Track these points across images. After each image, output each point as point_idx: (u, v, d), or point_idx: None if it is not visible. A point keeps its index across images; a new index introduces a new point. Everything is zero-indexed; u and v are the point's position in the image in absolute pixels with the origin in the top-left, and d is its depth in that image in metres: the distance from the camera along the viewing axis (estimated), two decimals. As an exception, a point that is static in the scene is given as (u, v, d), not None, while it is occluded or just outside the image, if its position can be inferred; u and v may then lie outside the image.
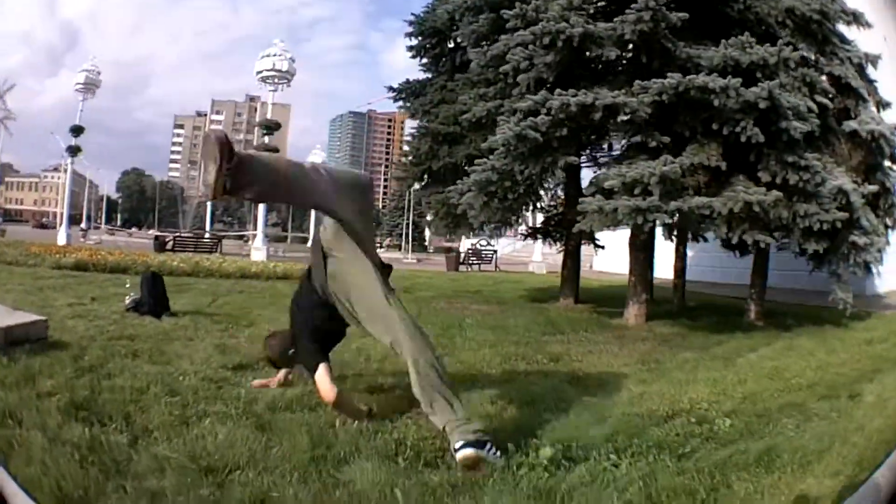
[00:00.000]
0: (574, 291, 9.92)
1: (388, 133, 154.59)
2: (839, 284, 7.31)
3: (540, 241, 13.48)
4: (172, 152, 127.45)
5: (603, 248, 11.57)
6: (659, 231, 8.43)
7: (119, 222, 78.88)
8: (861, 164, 7.80)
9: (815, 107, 6.82)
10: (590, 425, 3.21)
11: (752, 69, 6.57)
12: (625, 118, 6.70)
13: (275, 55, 23.92)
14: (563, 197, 10.32)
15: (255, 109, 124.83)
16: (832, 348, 6.24)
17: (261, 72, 24.11)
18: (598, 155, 9.38)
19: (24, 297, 7.18)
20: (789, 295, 10.46)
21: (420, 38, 10.00)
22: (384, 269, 3.20)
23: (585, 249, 11.31)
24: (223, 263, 13.02)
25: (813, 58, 7.43)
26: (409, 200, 48.81)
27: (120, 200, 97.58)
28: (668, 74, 6.42)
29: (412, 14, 10.13)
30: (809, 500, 2.48)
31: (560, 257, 10.74)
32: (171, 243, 21.45)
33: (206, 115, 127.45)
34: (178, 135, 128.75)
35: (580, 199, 6.83)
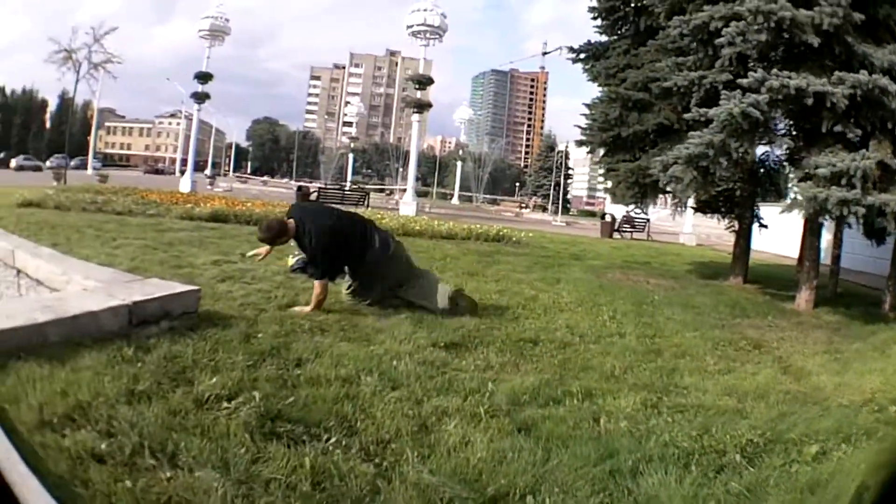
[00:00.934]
0: (744, 271, 9.74)
1: (532, 92, 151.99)
2: None
3: (690, 212, 13.30)
4: (309, 103, 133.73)
5: (766, 227, 11.04)
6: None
7: (249, 170, 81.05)
8: None
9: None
10: (819, 418, 3.18)
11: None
12: (828, 106, 6.63)
13: (425, 10, 23.73)
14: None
15: (396, 64, 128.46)
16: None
17: (411, 26, 23.87)
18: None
19: (147, 254, 5.77)
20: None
21: (603, -1, 9.66)
22: None
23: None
24: (382, 219, 11.56)
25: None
26: (558, 161, 48.17)
27: (251, 149, 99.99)
28: (861, 71, 6.41)
29: (591, -25, 9.81)
30: None
31: (707, 230, 10.61)
32: (315, 195, 20.99)
33: (343, 67, 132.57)
34: (315, 86, 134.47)
35: (794, 186, 6.93)
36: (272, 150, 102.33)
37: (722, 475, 2.34)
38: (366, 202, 21.38)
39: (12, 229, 6.64)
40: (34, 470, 0.82)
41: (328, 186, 31.44)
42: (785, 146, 7.45)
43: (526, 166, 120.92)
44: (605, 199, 51.12)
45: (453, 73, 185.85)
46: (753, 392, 3.57)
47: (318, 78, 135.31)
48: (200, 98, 27.05)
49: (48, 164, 48.88)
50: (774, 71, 6.43)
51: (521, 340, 4.09)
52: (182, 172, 35.75)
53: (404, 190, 26.05)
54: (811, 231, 8.14)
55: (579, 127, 9.81)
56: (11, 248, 5.20)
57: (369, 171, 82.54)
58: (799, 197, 6.50)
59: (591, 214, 55.70)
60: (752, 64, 7.03)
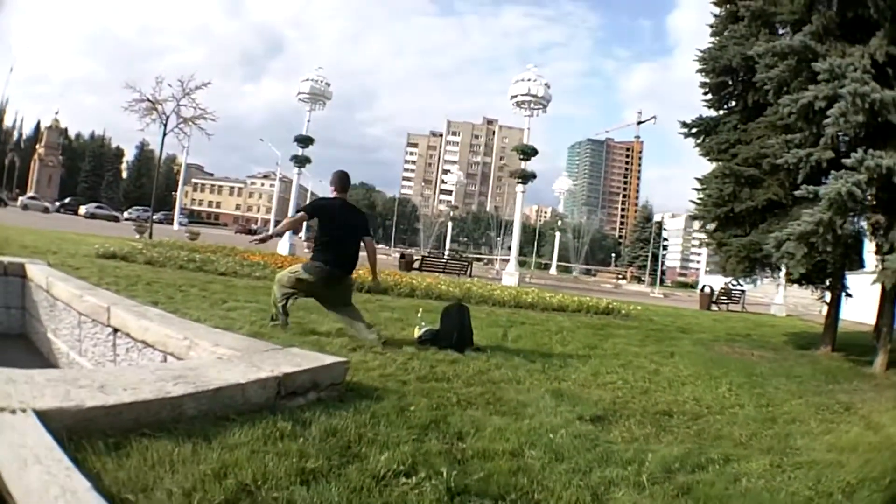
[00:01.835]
0: (832, 339, 9.78)
1: (627, 162, 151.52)
2: None
3: (783, 283, 13.31)
4: (405, 170, 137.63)
5: (852, 296, 10.61)
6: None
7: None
8: None
9: None
10: (889, 460, 3.53)
11: None
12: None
13: (530, 80, 24.01)
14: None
15: (493, 132, 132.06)
16: None
17: (515, 96, 24.13)
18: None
19: (266, 318, 5.45)
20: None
21: (713, 74, 10.08)
22: None
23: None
24: (494, 290, 11.93)
25: None
26: (655, 231, 47.28)
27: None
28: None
29: (698, 50, 10.27)
30: None
31: (794, 300, 10.26)
32: (417, 262, 21.35)
33: (440, 135, 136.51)
34: (411, 153, 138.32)
35: (886, 257, 7.02)
36: (368, 216, 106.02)
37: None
38: (468, 271, 21.51)
39: (95, 281, 6.67)
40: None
41: (430, 254, 31.86)
42: (872, 219, 7.58)
43: (621, 236, 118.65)
44: (698, 269, 48.87)
45: (549, 142, 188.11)
46: (848, 447, 3.95)
47: (415, 145, 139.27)
48: (301, 162, 26.99)
49: (126, 214, 50.93)
50: (869, 151, 6.67)
51: (657, 413, 4.35)
52: (277, 235, 36.70)
53: (505, 260, 26.35)
54: (887, 298, 8.39)
55: (693, 202, 9.97)
56: (106, 305, 4.88)
57: (465, 239, 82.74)
58: (883, 266, 6.83)
59: (686, 285, 54.13)
60: (841, 142, 7.44)
